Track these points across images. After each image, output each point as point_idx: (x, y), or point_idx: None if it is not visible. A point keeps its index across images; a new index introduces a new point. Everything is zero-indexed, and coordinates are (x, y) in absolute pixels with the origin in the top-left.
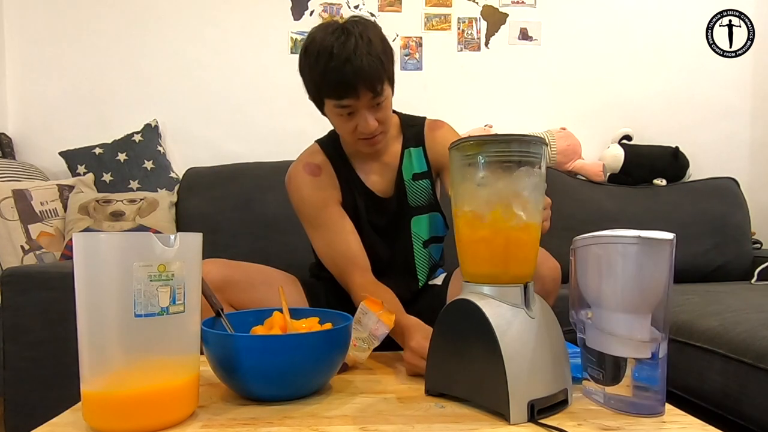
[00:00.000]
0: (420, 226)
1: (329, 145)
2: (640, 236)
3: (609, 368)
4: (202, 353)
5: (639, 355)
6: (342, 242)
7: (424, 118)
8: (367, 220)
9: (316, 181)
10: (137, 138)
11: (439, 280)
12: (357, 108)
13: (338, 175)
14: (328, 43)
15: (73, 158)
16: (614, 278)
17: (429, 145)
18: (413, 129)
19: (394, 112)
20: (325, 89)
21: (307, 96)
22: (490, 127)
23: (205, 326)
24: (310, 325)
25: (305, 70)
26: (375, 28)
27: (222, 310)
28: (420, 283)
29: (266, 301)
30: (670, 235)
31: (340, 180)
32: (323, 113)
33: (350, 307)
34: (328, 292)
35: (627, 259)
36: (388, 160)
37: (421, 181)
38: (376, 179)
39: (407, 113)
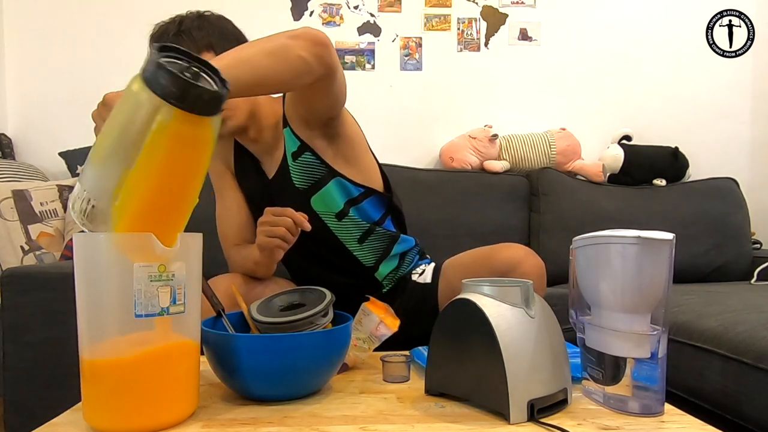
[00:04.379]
0: (323, 203)
1: None
2: (639, 236)
3: (609, 368)
4: (202, 353)
5: (638, 354)
6: (224, 218)
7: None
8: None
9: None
10: None
11: (427, 277)
12: None
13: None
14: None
15: (72, 158)
16: (614, 278)
17: (290, 116)
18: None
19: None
20: None
21: None
22: (490, 127)
23: (205, 326)
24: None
25: None
26: (193, 14)
27: (223, 310)
28: (363, 260)
29: None
30: (669, 236)
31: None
32: None
33: (347, 306)
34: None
35: (627, 260)
36: (277, 153)
37: (303, 157)
38: (268, 163)
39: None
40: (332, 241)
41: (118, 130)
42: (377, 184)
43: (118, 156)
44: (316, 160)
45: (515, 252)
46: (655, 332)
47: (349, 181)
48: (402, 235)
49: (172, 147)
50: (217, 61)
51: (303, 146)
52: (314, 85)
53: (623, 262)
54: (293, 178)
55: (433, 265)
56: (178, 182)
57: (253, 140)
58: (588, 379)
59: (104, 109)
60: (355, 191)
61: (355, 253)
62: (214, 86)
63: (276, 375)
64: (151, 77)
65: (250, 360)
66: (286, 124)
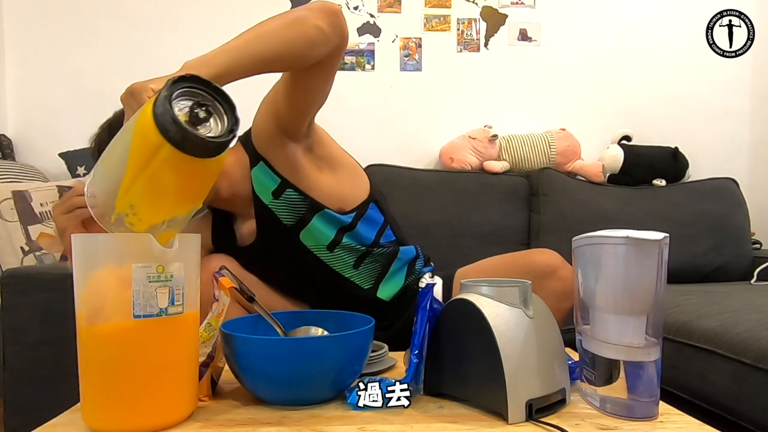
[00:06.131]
0: (311, 237)
1: None
2: (628, 236)
3: (602, 370)
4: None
5: (632, 358)
6: None
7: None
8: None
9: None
10: None
11: (437, 294)
12: None
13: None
14: None
15: (72, 159)
16: (605, 279)
17: (264, 146)
18: (248, 146)
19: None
20: None
21: None
22: (490, 127)
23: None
24: None
25: None
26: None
27: (254, 296)
28: (360, 284)
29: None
30: (659, 236)
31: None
32: None
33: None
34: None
35: (616, 260)
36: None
37: (285, 194)
38: (243, 227)
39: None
40: (325, 271)
41: (124, 145)
42: (364, 181)
43: (120, 168)
44: (299, 195)
45: (551, 257)
46: (648, 343)
47: (337, 212)
48: (401, 247)
49: (173, 174)
50: (237, 38)
51: (284, 183)
52: (325, 60)
53: (614, 263)
54: (280, 216)
55: (440, 282)
56: (178, 196)
57: (228, 198)
58: (583, 381)
59: (130, 97)
60: (347, 218)
61: (351, 279)
62: (220, 128)
63: (299, 380)
64: (159, 115)
65: (270, 364)
66: (255, 163)
